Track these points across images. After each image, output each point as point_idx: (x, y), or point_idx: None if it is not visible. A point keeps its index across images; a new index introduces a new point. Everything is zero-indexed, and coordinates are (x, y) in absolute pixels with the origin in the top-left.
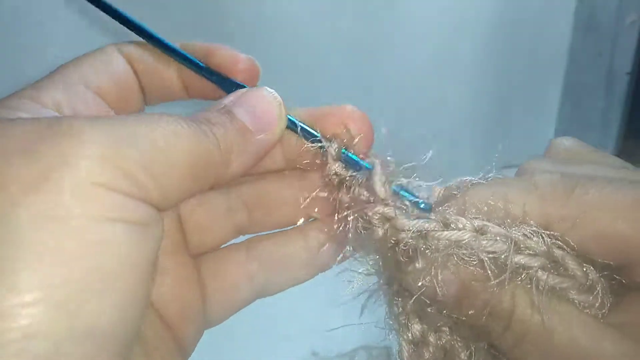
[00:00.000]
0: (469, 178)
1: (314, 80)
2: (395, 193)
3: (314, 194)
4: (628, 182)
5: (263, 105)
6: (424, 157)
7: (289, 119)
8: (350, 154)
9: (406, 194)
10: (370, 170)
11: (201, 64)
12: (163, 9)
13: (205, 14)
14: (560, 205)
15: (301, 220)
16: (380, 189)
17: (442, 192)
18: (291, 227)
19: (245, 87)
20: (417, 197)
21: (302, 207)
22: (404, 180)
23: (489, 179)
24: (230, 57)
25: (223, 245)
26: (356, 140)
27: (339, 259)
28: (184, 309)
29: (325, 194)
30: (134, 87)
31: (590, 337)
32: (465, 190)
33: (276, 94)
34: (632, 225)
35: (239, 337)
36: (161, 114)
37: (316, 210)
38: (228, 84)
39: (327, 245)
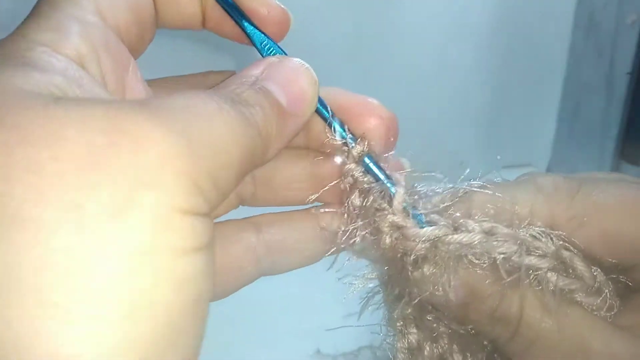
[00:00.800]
0: (473, 182)
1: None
2: (414, 218)
3: (327, 187)
4: (629, 182)
5: (299, 83)
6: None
7: (322, 105)
8: (373, 163)
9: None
10: (390, 187)
11: (230, 1)
12: None
13: None
14: (565, 206)
15: (312, 197)
16: (399, 214)
17: (447, 197)
18: (299, 209)
19: (272, 43)
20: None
21: (313, 198)
22: (420, 204)
23: (492, 182)
24: (261, 2)
25: (224, 216)
26: (385, 150)
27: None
28: None
29: (340, 188)
30: (149, 10)
31: (602, 340)
32: (471, 193)
33: (311, 70)
34: (638, 224)
35: (245, 334)
36: (205, 97)
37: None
38: (255, 35)
39: (335, 232)
